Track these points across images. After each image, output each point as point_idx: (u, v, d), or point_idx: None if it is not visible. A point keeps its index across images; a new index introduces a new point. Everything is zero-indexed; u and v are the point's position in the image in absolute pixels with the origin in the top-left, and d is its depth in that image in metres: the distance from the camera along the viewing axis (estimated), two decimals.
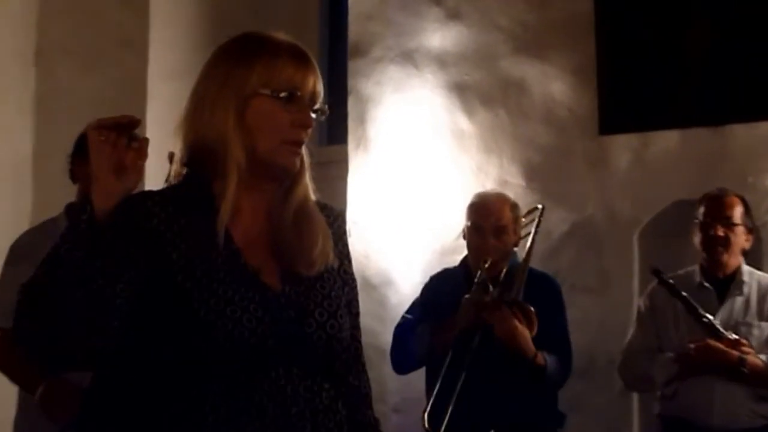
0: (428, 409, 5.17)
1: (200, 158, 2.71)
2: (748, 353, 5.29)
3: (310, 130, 2.74)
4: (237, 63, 2.71)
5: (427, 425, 5.14)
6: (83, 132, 4.88)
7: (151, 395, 2.60)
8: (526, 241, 5.49)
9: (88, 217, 2.54)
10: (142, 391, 2.61)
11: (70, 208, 4.91)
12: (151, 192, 2.62)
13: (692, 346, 5.33)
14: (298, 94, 2.70)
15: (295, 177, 2.77)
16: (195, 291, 2.59)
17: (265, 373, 2.62)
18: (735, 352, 5.28)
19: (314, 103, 2.73)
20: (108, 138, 2.57)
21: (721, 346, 5.30)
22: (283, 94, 2.67)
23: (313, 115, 2.74)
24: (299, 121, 2.70)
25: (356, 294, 2.91)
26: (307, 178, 2.79)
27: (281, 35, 2.79)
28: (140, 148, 2.60)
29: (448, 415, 5.13)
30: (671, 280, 5.47)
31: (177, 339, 2.58)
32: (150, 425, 2.59)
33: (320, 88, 2.76)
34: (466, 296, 5.24)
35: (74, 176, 5.02)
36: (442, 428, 5.12)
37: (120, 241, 2.54)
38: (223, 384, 2.59)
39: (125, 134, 2.61)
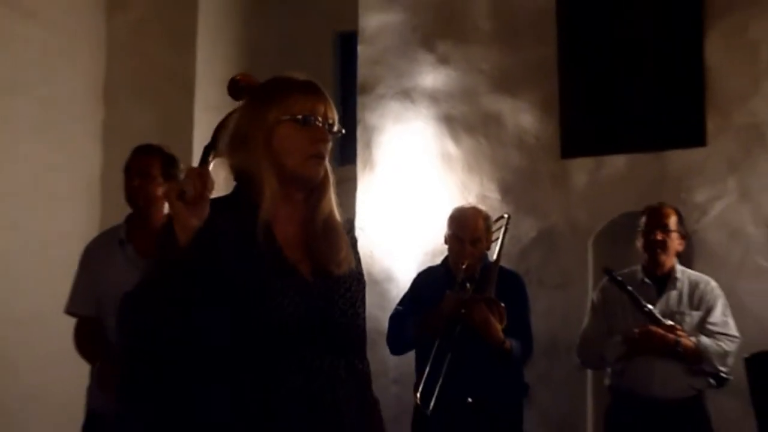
0: (420, 387, 5.24)
1: (242, 178, 2.78)
2: (681, 336, 5.31)
3: (328, 145, 2.78)
4: (261, 102, 2.77)
5: (419, 401, 5.21)
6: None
7: (212, 366, 2.65)
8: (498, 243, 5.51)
9: (173, 248, 2.54)
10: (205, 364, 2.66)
11: (128, 219, 4.98)
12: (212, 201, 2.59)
13: (637, 331, 5.35)
14: (312, 117, 2.75)
15: (322, 192, 2.81)
16: (248, 280, 2.64)
17: (298, 350, 2.68)
18: (672, 336, 5.29)
19: (327, 123, 2.78)
20: (184, 183, 2.52)
21: (660, 330, 5.31)
22: (299, 117, 2.73)
23: (330, 131, 2.78)
24: (315, 136, 2.74)
25: (365, 291, 2.94)
26: (332, 194, 2.83)
27: (297, 74, 2.84)
28: (203, 176, 2.55)
29: (437, 391, 5.20)
30: (619, 278, 5.49)
31: (235, 319, 2.63)
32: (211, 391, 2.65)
33: (332, 112, 2.80)
34: (448, 292, 5.29)
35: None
36: (431, 403, 5.19)
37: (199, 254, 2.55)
38: (265, 359, 2.64)
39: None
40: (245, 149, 2.75)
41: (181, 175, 4.76)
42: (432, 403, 5.15)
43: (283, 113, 2.74)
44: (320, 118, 2.77)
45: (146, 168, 4.87)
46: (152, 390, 2.72)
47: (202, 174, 2.54)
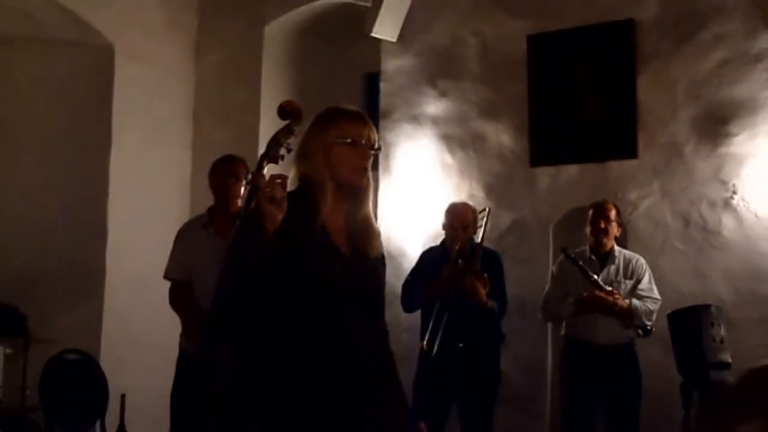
0: (426, 337, 5.26)
1: (307, 182, 2.80)
2: (618, 299, 5.33)
3: (370, 160, 2.82)
4: (322, 126, 2.81)
5: (425, 347, 5.23)
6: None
7: (287, 325, 2.69)
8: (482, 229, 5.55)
9: (263, 236, 2.57)
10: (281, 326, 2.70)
11: (210, 209, 5.03)
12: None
13: (585, 294, 5.37)
14: (359, 140, 2.78)
15: (364, 196, 2.85)
16: (305, 254, 2.70)
17: (340, 310, 2.73)
18: (611, 298, 5.32)
19: (371, 145, 2.81)
20: (270, 191, 2.56)
21: (602, 294, 5.34)
22: (348, 140, 2.76)
23: (372, 152, 2.82)
24: (362, 155, 2.79)
25: (385, 269, 2.97)
26: (370, 198, 2.88)
27: (348, 106, 2.91)
28: (283, 184, 2.59)
29: (438, 339, 5.23)
30: (572, 255, 5.52)
31: (297, 287, 2.69)
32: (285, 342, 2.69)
33: (374, 135, 2.84)
34: (445, 266, 5.33)
35: (210, 186, 5.10)
36: (435, 348, 5.22)
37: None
38: (317, 311, 2.69)
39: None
40: (309, 161, 2.79)
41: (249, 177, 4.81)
42: (435, 348, 5.19)
43: (337, 136, 2.77)
44: (365, 141, 2.79)
45: (235, 171, 4.98)
46: (230, 340, 2.75)
47: (283, 182, 2.58)
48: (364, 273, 2.81)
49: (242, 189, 4.91)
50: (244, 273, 2.62)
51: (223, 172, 5.00)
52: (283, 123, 2.84)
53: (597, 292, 5.35)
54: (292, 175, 2.86)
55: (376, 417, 2.77)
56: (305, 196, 2.76)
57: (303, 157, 2.81)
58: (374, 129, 2.86)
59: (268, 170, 2.76)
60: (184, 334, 4.70)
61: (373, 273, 2.85)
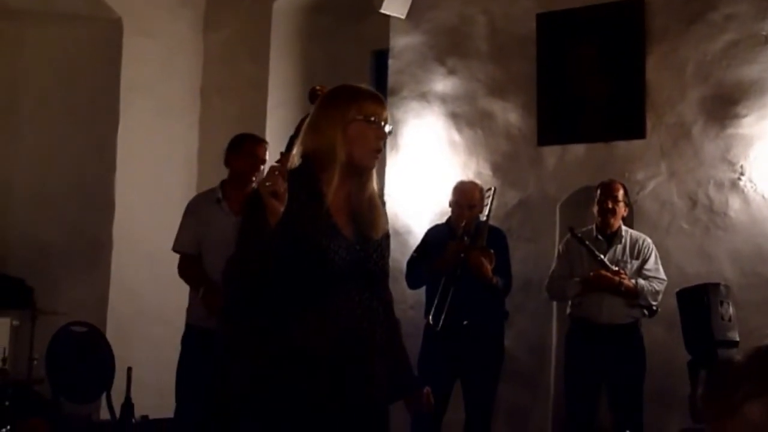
0: (432, 312, 5.28)
1: (313, 158, 2.78)
2: (624, 278, 5.33)
3: (384, 142, 2.82)
4: (341, 102, 2.79)
5: (431, 321, 5.24)
6: (234, 137, 5.01)
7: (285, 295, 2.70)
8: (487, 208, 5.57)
9: (267, 227, 2.58)
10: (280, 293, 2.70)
11: (223, 184, 5.02)
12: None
13: (591, 273, 5.38)
14: (377, 119, 2.77)
15: (370, 175, 2.84)
16: (308, 237, 2.69)
17: (346, 289, 2.73)
18: (617, 278, 5.32)
19: (386, 124, 2.80)
20: (271, 185, 2.57)
21: (608, 274, 5.34)
22: (370, 119, 2.75)
23: (387, 131, 2.81)
24: (380, 135, 2.78)
25: (390, 245, 2.97)
26: (375, 176, 2.87)
27: (364, 85, 2.90)
28: (281, 173, 2.61)
29: (444, 314, 5.25)
30: (579, 234, 5.52)
31: (298, 266, 2.69)
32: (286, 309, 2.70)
33: (388, 115, 2.83)
34: (450, 242, 5.35)
35: (227, 162, 5.04)
36: (440, 323, 5.25)
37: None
38: (320, 292, 2.70)
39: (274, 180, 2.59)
40: (322, 136, 2.76)
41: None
42: (441, 323, 5.22)
43: (358, 113, 2.75)
44: (382, 121, 2.78)
45: (263, 154, 4.98)
46: (248, 314, 2.75)
47: (281, 173, 2.58)
48: (368, 254, 2.81)
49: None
50: (250, 265, 2.65)
51: (251, 154, 4.96)
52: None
53: (603, 272, 5.35)
54: (294, 151, 2.86)
55: (383, 381, 2.81)
56: (307, 175, 2.76)
57: (315, 131, 2.80)
58: (387, 109, 2.86)
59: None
60: (202, 307, 4.70)
61: (378, 253, 2.85)
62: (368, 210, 2.83)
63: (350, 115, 2.75)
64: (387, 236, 2.92)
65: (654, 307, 5.40)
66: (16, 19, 7.38)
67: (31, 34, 7.44)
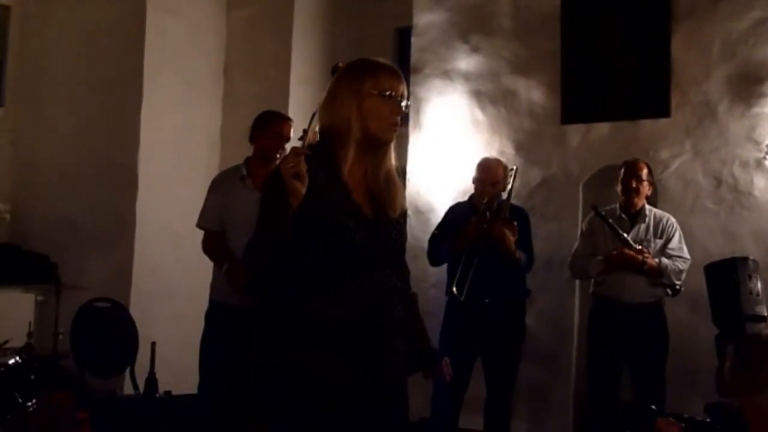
0: (455, 282, 5.30)
1: (329, 133, 2.76)
2: (647, 257, 5.31)
3: (400, 117, 2.77)
4: (357, 76, 2.76)
5: (456, 292, 5.28)
6: (260, 114, 5.02)
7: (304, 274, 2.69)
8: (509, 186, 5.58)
9: (288, 208, 2.57)
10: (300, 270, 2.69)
11: (247, 161, 5.02)
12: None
13: (614, 252, 5.36)
14: (394, 94, 2.74)
15: (388, 150, 2.81)
16: (328, 216, 2.67)
17: (363, 267, 2.71)
18: (640, 257, 5.30)
19: (403, 99, 2.77)
20: (293, 166, 2.56)
21: (631, 252, 5.33)
22: (386, 94, 2.72)
23: (403, 106, 2.78)
24: (395, 110, 2.74)
25: (406, 222, 2.96)
26: (392, 152, 2.84)
27: (381, 59, 2.85)
28: (303, 154, 2.59)
29: (467, 285, 5.27)
30: (603, 212, 5.50)
31: (318, 245, 2.67)
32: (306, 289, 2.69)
33: (405, 91, 2.79)
34: (473, 218, 5.36)
35: (252, 139, 5.03)
36: (464, 293, 5.26)
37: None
38: (345, 268, 2.69)
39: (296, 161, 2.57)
40: (338, 110, 2.75)
41: None
42: (464, 293, 5.22)
43: (373, 88, 2.73)
44: (399, 96, 2.76)
45: (288, 132, 4.98)
46: (269, 293, 2.76)
47: (299, 154, 2.56)
48: (387, 231, 2.80)
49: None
50: (271, 247, 2.65)
51: (276, 132, 4.96)
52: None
53: (626, 250, 5.33)
54: (311, 126, 2.85)
55: (402, 356, 2.82)
56: (325, 153, 2.74)
57: (331, 105, 2.78)
58: (404, 84, 2.81)
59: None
60: (226, 283, 4.72)
61: (396, 230, 2.84)
62: (385, 186, 2.81)
63: (366, 90, 2.73)
64: (404, 213, 2.91)
65: (677, 286, 5.38)
66: None
67: (56, 13, 7.47)
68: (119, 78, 7.33)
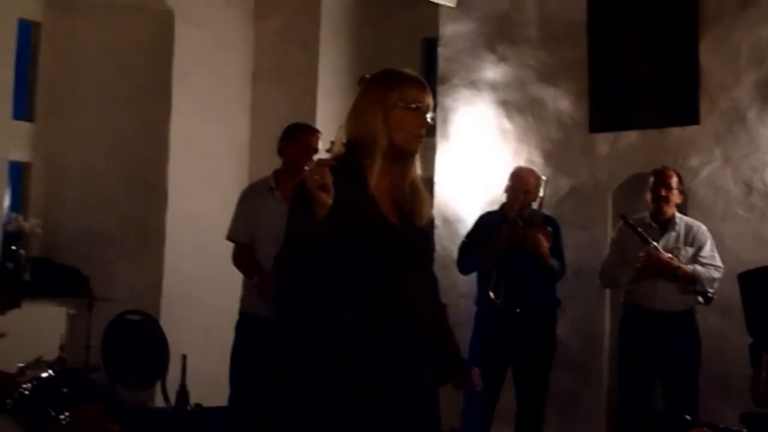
0: (491, 286, 5.31)
1: (356, 144, 2.77)
2: (680, 264, 5.28)
3: (425, 128, 2.78)
4: (383, 87, 2.77)
5: (492, 295, 5.28)
6: (287, 126, 5.03)
7: (333, 285, 2.68)
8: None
9: (315, 220, 2.57)
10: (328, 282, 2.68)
11: (276, 173, 5.03)
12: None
13: (645, 253, 5.30)
14: (420, 106, 2.75)
15: (413, 160, 2.82)
16: (355, 227, 2.67)
17: (395, 273, 2.71)
18: (675, 262, 5.27)
19: (429, 111, 2.78)
20: (319, 178, 2.56)
21: (663, 256, 5.29)
22: (411, 106, 2.74)
23: (429, 118, 2.79)
24: (420, 122, 2.75)
25: (433, 231, 2.98)
26: (417, 162, 2.84)
27: (408, 70, 2.85)
28: (328, 165, 2.60)
29: (503, 291, 5.26)
30: (632, 221, 5.47)
31: (347, 255, 2.67)
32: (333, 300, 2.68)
33: (431, 103, 2.80)
34: (504, 225, 5.37)
35: (280, 152, 5.03)
36: (500, 297, 5.26)
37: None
38: (374, 278, 2.68)
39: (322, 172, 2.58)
40: (364, 121, 2.76)
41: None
42: (500, 299, 5.29)
43: (399, 100, 2.74)
44: (424, 108, 2.77)
45: (316, 144, 4.98)
46: (302, 301, 2.75)
47: (325, 165, 2.57)
48: (414, 240, 2.81)
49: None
50: (299, 260, 2.65)
51: (304, 144, 4.97)
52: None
53: (656, 252, 5.30)
54: (338, 137, 2.87)
55: (433, 366, 2.82)
56: (351, 164, 2.75)
57: (357, 117, 2.79)
58: (431, 95, 2.82)
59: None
60: (256, 294, 4.73)
61: (424, 238, 2.86)
62: (411, 196, 2.81)
63: (391, 101, 2.73)
64: (431, 222, 2.93)
65: (710, 294, 5.34)
66: (68, 12, 7.46)
67: (84, 26, 7.51)
68: (148, 91, 7.38)
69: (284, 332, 2.93)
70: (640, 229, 5.38)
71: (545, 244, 5.31)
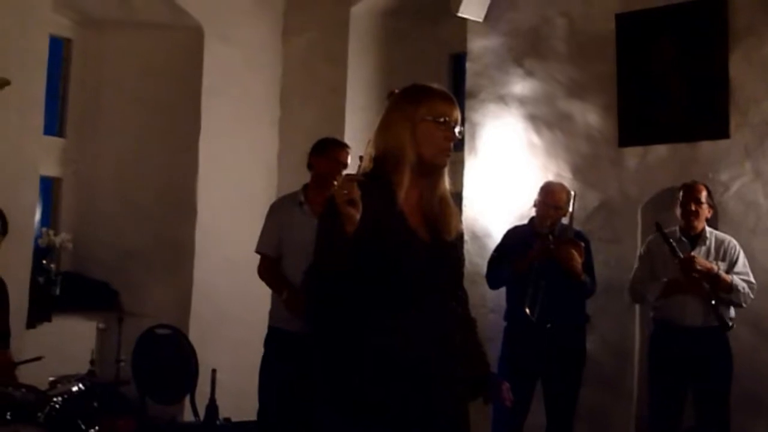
0: (527, 303, 5.30)
1: (384, 159, 2.78)
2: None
3: (453, 143, 2.80)
4: (411, 101, 2.79)
5: (528, 312, 5.29)
6: (317, 141, 5.05)
7: (361, 301, 2.69)
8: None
9: (344, 235, 2.56)
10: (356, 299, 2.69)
11: (305, 187, 5.05)
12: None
13: (683, 257, 5.24)
14: (448, 119, 2.77)
15: (441, 174, 2.83)
16: (385, 242, 2.68)
17: (425, 288, 2.73)
18: (714, 266, 5.23)
19: (456, 125, 2.80)
20: (347, 193, 2.55)
21: (701, 260, 5.25)
22: (439, 120, 2.75)
23: (457, 132, 2.80)
24: (448, 136, 2.77)
25: (463, 246, 2.97)
26: (446, 176, 2.86)
27: (436, 85, 2.88)
28: (356, 180, 2.59)
29: (538, 307, 5.26)
30: (666, 232, 5.43)
31: (377, 271, 2.68)
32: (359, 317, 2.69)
33: (459, 117, 2.82)
34: (537, 240, 5.34)
35: (310, 166, 5.04)
36: (535, 314, 5.23)
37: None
38: (404, 293, 2.70)
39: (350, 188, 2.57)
40: (392, 136, 2.78)
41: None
42: (536, 315, 5.28)
43: (427, 113, 2.76)
44: (452, 122, 2.78)
45: (346, 159, 4.99)
46: (331, 316, 2.76)
47: (353, 180, 2.57)
48: (444, 255, 2.81)
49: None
50: (329, 276, 2.65)
51: (334, 158, 4.98)
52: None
53: (695, 256, 5.26)
54: (366, 152, 2.87)
55: (463, 381, 2.82)
56: (380, 179, 2.75)
57: (385, 131, 2.80)
58: (458, 109, 2.84)
59: None
60: (285, 309, 4.74)
61: (454, 253, 2.86)
62: (440, 210, 2.82)
63: (419, 115, 2.75)
64: (461, 237, 2.93)
65: (730, 324, 5.29)
66: (99, 29, 7.56)
67: (114, 43, 7.61)
68: (177, 106, 7.45)
69: (313, 348, 2.93)
70: (672, 240, 5.34)
71: (578, 259, 5.28)
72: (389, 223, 2.71)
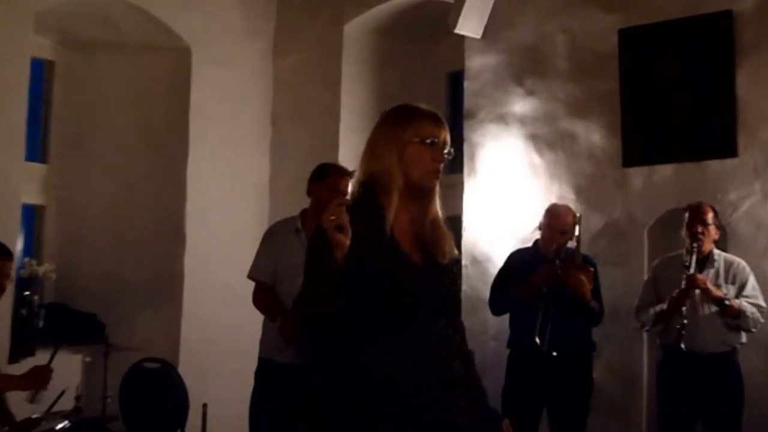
0: (537, 332, 5.28)
1: (372, 182, 2.76)
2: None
3: (443, 164, 2.79)
4: (397, 123, 2.77)
5: (538, 341, 5.27)
6: (317, 166, 5.03)
7: (356, 331, 2.66)
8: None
9: (334, 262, 2.54)
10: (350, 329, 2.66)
11: (303, 213, 5.02)
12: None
13: (688, 276, 5.26)
14: (436, 141, 2.75)
15: (431, 197, 2.82)
16: (377, 267, 2.66)
17: (417, 318, 2.70)
18: (720, 292, 5.23)
19: (445, 146, 2.79)
20: (335, 219, 2.52)
21: (705, 279, 5.27)
22: (427, 141, 2.74)
23: (445, 154, 2.79)
24: (437, 158, 2.76)
25: (461, 270, 2.97)
26: (437, 198, 2.85)
27: (423, 105, 2.85)
28: (345, 205, 2.57)
29: (548, 334, 5.22)
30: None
31: (369, 297, 2.65)
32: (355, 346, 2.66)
33: (448, 138, 2.80)
34: (542, 265, 5.31)
35: (309, 192, 5.01)
36: (545, 343, 5.22)
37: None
38: (395, 322, 2.67)
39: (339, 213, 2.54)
40: (379, 159, 2.76)
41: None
42: (546, 344, 5.26)
43: (414, 135, 2.75)
44: (441, 143, 2.77)
45: (346, 187, 4.94)
46: (326, 345, 2.74)
47: (341, 205, 2.54)
48: (438, 279, 2.80)
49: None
50: (319, 304, 2.62)
51: (334, 186, 4.95)
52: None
53: (699, 276, 5.26)
54: (354, 178, 2.86)
55: (468, 411, 2.78)
56: (369, 202, 2.75)
57: (372, 154, 2.79)
58: (448, 130, 2.83)
59: None
60: (280, 338, 4.72)
61: (449, 278, 2.84)
62: (432, 234, 2.81)
63: (406, 137, 2.74)
64: (456, 261, 2.90)
65: (736, 344, 5.30)
66: (87, 50, 7.57)
67: (99, 65, 7.61)
68: (164, 130, 7.45)
69: (305, 377, 2.92)
70: (686, 259, 5.34)
71: (587, 285, 5.25)
72: (380, 246, 2.70)
